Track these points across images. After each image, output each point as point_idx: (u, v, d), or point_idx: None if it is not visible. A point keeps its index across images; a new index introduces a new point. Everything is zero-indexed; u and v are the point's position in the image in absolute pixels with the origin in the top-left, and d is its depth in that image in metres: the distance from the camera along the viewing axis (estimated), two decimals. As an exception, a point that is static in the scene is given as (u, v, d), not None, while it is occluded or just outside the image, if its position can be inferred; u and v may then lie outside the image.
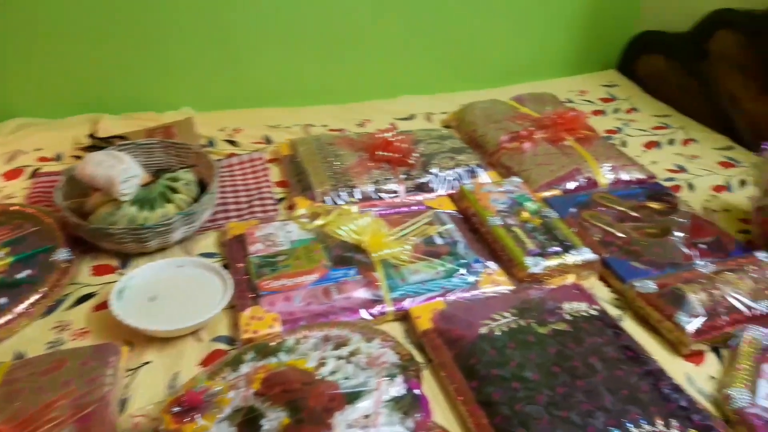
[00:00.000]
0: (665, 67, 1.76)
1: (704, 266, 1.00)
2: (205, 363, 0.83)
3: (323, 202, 1.16)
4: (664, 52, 1.76)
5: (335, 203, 1.15)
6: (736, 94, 1.54)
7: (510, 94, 1.64)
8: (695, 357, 0.87)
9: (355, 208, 1.08)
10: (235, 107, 1.55)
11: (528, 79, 1.81)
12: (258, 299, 0.91)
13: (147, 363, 0.82)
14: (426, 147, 1.32)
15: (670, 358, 0.86)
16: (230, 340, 0.87)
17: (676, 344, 0.88)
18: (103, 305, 0.90)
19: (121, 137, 1.29)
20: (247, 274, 0.96)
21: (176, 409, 0.67)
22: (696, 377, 0.84)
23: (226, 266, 0.98)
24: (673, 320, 0.88)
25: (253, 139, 1.42)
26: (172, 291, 0.91)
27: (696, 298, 0.90)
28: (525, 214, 1.10)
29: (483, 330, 0.84)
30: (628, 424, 0.70)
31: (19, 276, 0.92)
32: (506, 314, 0.87)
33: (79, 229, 0.99)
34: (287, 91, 1.60)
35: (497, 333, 0.83)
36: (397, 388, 0.71)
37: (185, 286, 0.92)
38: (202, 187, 1.10)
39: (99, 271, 0.99)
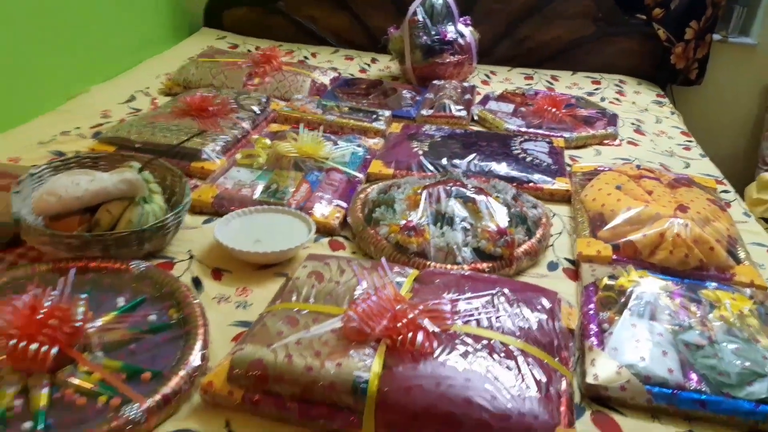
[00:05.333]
0: (251, 14, 2.32)
1: (428, 94, 1.74)
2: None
3: (223, 156, 1.32)
4: (245, 3, 2.31)
5: (223, 155, 1.34)
6: (315, 16, 2.28)
7: (145, 71, 1.90)
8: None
9: (266, 140, 1.33)
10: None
11: (149, 56, 2.03)
12: (312, 207, 1.15)
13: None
14: (224, 96, 1.55)
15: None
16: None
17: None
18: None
19: None
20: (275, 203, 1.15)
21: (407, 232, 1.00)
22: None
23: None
24: (451, 112, 1.61)
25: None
26: (266, 232, 1.05)
27: (450, 102, 1.65)
28: (335, 109, 1.58)
29: (419, 152, 1.37)
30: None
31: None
32: (415, 143, 1.41)
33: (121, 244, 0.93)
34: None
35: (426, 149, 1.38)
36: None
37: (268, 229, 1.07)
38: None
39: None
